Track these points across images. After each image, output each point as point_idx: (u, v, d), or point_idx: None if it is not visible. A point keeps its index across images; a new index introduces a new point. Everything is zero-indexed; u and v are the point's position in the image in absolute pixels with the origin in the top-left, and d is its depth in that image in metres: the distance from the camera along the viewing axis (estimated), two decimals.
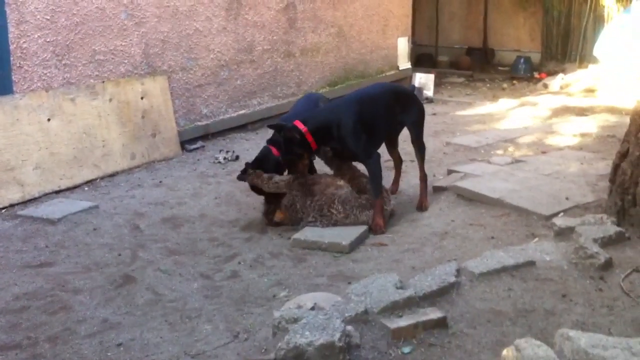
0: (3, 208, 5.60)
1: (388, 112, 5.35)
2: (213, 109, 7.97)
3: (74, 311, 3.93)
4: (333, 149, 5.12)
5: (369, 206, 5.08)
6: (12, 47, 5.93)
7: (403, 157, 6.03)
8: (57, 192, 6.02)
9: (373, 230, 5.01)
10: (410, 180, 6.03)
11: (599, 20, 12.15)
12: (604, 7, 12.11)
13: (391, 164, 5.98)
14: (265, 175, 5.23)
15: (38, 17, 6.10)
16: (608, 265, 3.90)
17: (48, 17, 6.17)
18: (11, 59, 5.94)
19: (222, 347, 3.44)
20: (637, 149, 4.48)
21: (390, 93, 5.50)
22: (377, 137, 5.32)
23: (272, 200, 5.27)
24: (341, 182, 5.17)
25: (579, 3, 12.42)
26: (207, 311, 3.90)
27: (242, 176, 5.39)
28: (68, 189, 6.10)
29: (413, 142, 5.62)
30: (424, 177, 5.61)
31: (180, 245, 4.94)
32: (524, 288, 3.70)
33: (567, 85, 11.15)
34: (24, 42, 6.02)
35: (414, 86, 6.15)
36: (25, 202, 5.74)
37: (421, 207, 5.48)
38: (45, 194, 5.93)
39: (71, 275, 4.41)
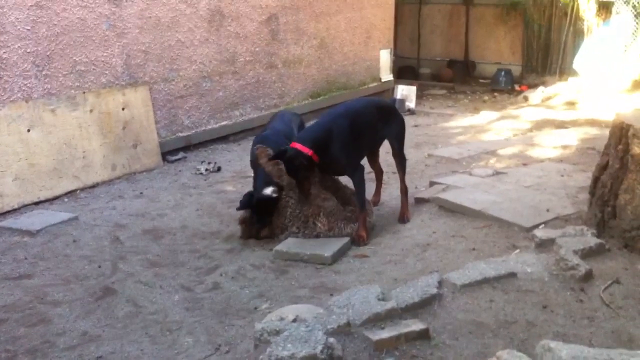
0: None
1: (372, 125, 5.40)
2: (195, 120, 7.95)
3: (53, 324, 3.89)
4: (321, 163, 5.09)
5: (353, 219, 5.09)
6: None
7: (384, 169, 6.06)
8: (37, 203, 5.96)
9: (356, 241, 5.01)
10: (392, 192, 6.05)
11: (578, 34, 12.29)
12: (583, 20, 12.25)
13: (373, 175, 5.98)
14: (271, 158, 5.10)
15: (18, 27, 6.06)
16: (588, 276, 3.92)
17: (28, 28, 6.14)
18: None
19: None
20: (616, 161, 4.51)
21: (374, 107, 5.54)
22: (362, 150, 5.39)
23: (263, 214, 5.20)
24: (327, 194, 5.16)
25: (559, 17, 12.55)
26: (188, 323, 3.87)
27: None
28: (48, 200, 6.05)
29: (394, 154, 5.67)
30: (404, 190, 5.63)
31: (161, 257, 4.91)
32: (505, 299, 3.71)
33: (548, 98, 11.25)
34: (4, 52, 5.98)
35: (394, 99, 6.17)
36: (4, 214, 5.69)
37: (403, 218, 5.49)
38: (25, 205, 5.88)
39: (50, 288, 4.36)
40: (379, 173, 5.96)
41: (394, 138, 5.61)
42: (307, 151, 4.92)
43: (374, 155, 5.85)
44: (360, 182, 5.12)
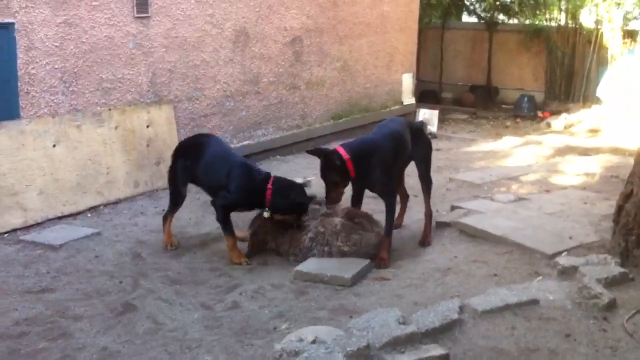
0: (5, 233, 5.59)
1: (408, 148, 5.40)
2: None
3: (74, 338, 3.90)
4: (357, 178, 5.08)
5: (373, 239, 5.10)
6: (20, 72, 5.99)
7: (407, 192, 6.01)
8: (60, 217, 6.01)
9: (377, 264, 4.99)
10: (413, 215, 6.02)
11: (602, 62, 12.25)
12: (607, 48, 12.22)
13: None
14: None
15: (47, 44, 6.16)
16: (612, 305, 3.88)
17: (57, 44, 6.23)
18: (19, 84, 5.99)
19: None
20: None
21: (407, 128, 5.50)
22: (396, 173, 5.39)
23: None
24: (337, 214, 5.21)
25: (583, 44, 12.52)
26: (207, 342, 3.87)
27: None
28: (71, 215, 6.10)
29: (420, 177, 5.61)
30: (429, 213, 5.60)
31: (181, 275, 4.92)
32: (527, 327, 3.68)
33: (571, 125, 11.20)
34: (32, 68, 6.07)
35: (422, 122, 6.16)
36: (27, 227, 5.74)
37: (424, 242, 5.47)
38: (48, 220, 5.93)
39: (72, 302, 4.38)
40: (403, 196, 5.89)
41: (421, 160, 5.58)
42: (345, 155, 4.92)
43: (399, 178, 5.76)
44: (391, 207, 5.12)
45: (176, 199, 5.53)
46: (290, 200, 5.07)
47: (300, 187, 5.33)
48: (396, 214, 5.78)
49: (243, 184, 5.12)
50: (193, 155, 5.39)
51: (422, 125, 6.12)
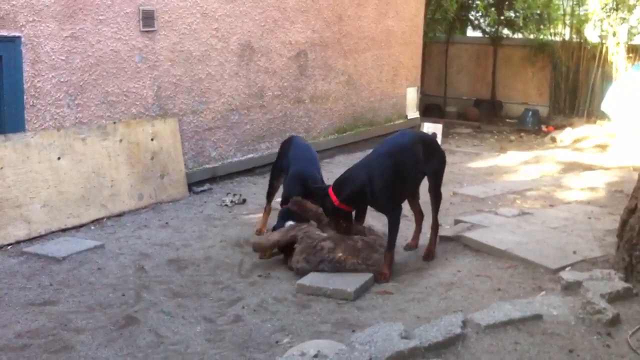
0: (9, 244, 5.60)
1: (415, 162, 5.29)
2: (222, 152, 8.03)
3: (76, 351, 3.90)
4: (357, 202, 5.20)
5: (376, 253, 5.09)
6: (26, 85, 6.02)
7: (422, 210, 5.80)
8: (64, 230, 6.02)
9: (378, 279, 4.98)
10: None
11: (606, 77, 12.26)
12: (612, 63, 12.24)
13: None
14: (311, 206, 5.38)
15: (53, 57, 6.19)
16: (615, 321, 3.86)
17: (63, 58, 6.27)
18: (25, 97, 6.02)
19: None
20: None
21: (418, 142, 5.41)
22: (406, 188, 5.30)
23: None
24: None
25: (587, 59, 12.55)
26: (209, 355, 3.86)
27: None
28: (74, 228, 6.11)
29: (430, 190, 5.50)
30: (435, 227, 5.56)
31: (184, 288, 4.92)
32: (530, 342, 3.66)
33: (576, 140, 11.20)
34: (38, 81, 6.11)
35: (435, 134, 6.07)
36: (31, 240, 5.74)
37: (428, 256, 5.45)
38: (52, 232, 5.94)
39: (74, 315, 4.38)
40: (419, 215, 5.71)
41: (433, 174, 5.48)
42: (335, 200, 5.05)
43: (413, 194, 5.62)
44: (395, 223, 5.06)
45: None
46: None
47: None
48: (404, 231, 5.74)
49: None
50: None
51: (435, 137, 5.96)
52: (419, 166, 5.34)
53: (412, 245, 5.66)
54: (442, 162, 5.59)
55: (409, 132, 6.05)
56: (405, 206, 5.79)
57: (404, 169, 5.15)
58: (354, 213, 5.24)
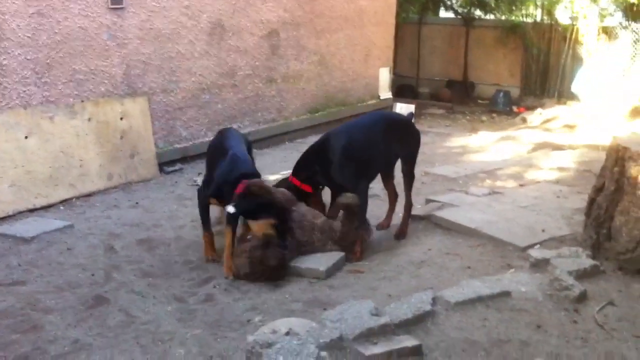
0: None
1: (382, 142, 5.27)
2: (193, 131, 7.96)
3: (45, 331, 3.86)
4: (323, 181, 5.24)
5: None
6: None
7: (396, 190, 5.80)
8: (32, 210, 5.94)
9: (351, 257, 4.99)
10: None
11: (577, 58, 12.36)
12: (582, 45, 12.32)
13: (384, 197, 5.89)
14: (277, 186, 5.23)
15: (19, 34, 6.07)
16: (583, 297, 3.92)
17: (29, 35, 6.15)
18: None
19: None
20: (612, 183, 4.53)
21: (385, 122, 5.44)
22: (370, 167, 5.27)
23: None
24: (318, 213, 5.15)
25: (558, 41, 12.63)
26: (180, 335, 3.85)
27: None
28: (43, 208, 6.03)
29: (403, 171, 5.52)
30: (408, 206, 5.57)
31: (154, 268, 4.89)
32: (499, 318, 3.70)
33: (546, 120, 11.28)
34: (4, 59, 5.99)
35: (411, 114, 6.04)
36: None
37: (400, 235, 5.47)
38: (20, 212, 5.86)
39: (43, 295, 4.34)
40: (392, 195, 5.71)
41: (407, 155, 5.50)
42: (297, 182, 5.16)
43: (388, 175, 5.64)
44: (362, 200, 5.03)
45: None
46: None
47: None
48: (380, 212, 5.77)
49: None
50: None
51: (410, 117, 5.90)
52: (388, 147, 5.33)
53: (385, 225, 5.68)
54: (415, 143, 5.59)
55: (375, 112, 6.06)
56: (379, 186, 5.81)
57: (361, 147, 5.13)
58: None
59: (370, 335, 3.34)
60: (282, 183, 5.33)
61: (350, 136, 5.17)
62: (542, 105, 12.10)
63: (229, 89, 8.38)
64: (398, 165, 5.61)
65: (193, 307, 4.24)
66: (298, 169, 5.26)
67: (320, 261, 4.81)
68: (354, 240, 5.03)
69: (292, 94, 9.47)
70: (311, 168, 5.20)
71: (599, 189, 4.70)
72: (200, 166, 7.77)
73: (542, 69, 12.85)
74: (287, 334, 3.38)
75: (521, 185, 6.99)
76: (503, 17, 13.51)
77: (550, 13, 12.75)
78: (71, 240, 5.33)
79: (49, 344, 3.71)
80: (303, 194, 5.18)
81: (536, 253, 4.53)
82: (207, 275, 4.75)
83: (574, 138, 9.85)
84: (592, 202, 4.77)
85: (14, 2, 5.98)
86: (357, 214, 5.04)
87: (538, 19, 12.96)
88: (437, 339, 3.47)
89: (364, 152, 5.15)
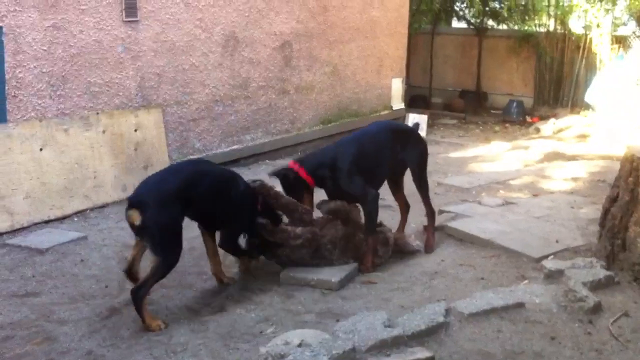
0: None
1: (388, 150, 5.27)
2: (206, 143, 7.99)
3: (59, 342, 3.88)
4: (329, 191, 5.12)
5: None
6: (7, 76, 5.96)
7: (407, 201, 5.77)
8: (47, 222, 5.98)
9: (361, 269, 4.97)
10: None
11: (591, 67, 12.32)
12: (596, 54, 12.29)
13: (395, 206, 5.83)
14: (274, 191, 4.95)
15: (35, 47, 6.14)
16: (597, 309, 3.90)
17: (45, 48, 6.21)
18: (6, 88, 5.96)
19: None
20: (626, 194, 4.51)
21: (390, 131, 5.44)
22: (376, 176, 5.25)
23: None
24: (337, 222, 5.10)
25: (572, 50, 12.60)
26: (192, 345, 3.85)
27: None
28: (57, 219, 6.07)
29: (414, 180, 5.49)
30: (431, 215, 5.53)
31: (167, 278, 4.85)
32: (513, 330, 3.69)
33: (559, 130, 11.25)
34: (20, 72, 6.05)
35: (417, 124, 6.05)
36: (14, 231, 5.70)
37: (428, 248, 5.39)
38: (35, 224, 5.89)
39: (57, 306, 4.36)
40: (403, 206, 5.67)
41: (414, 164, 5.45)
42: (298, 170, 4.96)
43: (397, 185, 5.62)
44: (370, 208, 5.01)
45: None
46: None
47: None
48: (394, 223, 5.71)
49: None
50: None
51: (416, 127, 5.87)
52: (394, 155, 5.32)
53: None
54: (422, 152, 5.54)
55: (381, 121, 6.04)
56: (392, 197, 5.79)
57: (368, 156, 5.12)
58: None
59: (383, 346, 3.33)
60: (285, 172, 5.06)
61: (359, 145, 5.16)
62: (555, 115, 12.05)
63: (242, 101, 8.42)
64: (409, 176, 5.57)
65: (206, 318, 4.24)
66: (310, 164, 5.05)
67: (332, 272, 4.81)
68: (365, 251, 5.01)
69: (305, 105, 9.50)
70: (323, 171, 5.06)
71: (613, 200, 4.68)
72: None
73: (556, 78, 12.81)
74: (300, 345, 3.39)
75: (535, 196, 6.97)
76: (516, 27, 13.50)
77: (563, 22, 12.73)
78: (85, 252, 5.36)
79: (63, 356, 3.73)
80: (300, 187, 5.00)
81: (550, 264, 4.51)
82: (219, 286, 4.76)
83: (588, 148, 9.81)
84: (606, 212, 4.74)
85: (29, 16, 6.05)
86: (351, 219, 5.03)
87: (551, 28, 12.94)
88: (450, 350, 3.46)
89: (372, 160, 5.14)
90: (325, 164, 5.07)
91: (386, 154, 5.27)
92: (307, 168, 5.02)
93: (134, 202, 4.21)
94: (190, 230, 5.91)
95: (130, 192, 6.75)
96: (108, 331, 4.04)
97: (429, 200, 5.56)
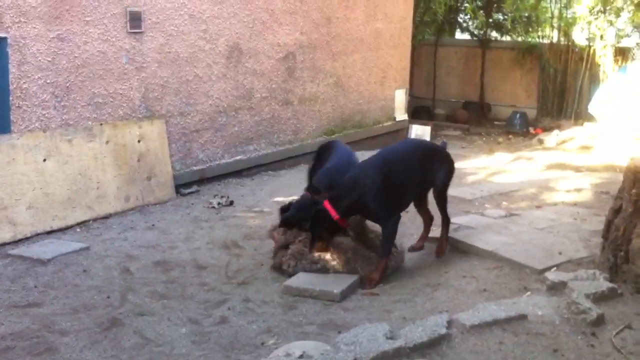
0: None
1: (417, 171, 5.26)
2: (209, 153, 8.01)
3: (60, 353, 3.88)
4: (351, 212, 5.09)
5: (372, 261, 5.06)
6: (12, 87, 5.99)
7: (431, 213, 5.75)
8: (49, 232, 5.99)
9: (366, 282, 4.94)
10: (406, 230, 5.96)
11: (594, 79, 12.32)
12: (599, 65, 12.29)
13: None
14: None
15: (39, 58, 6.17)
16: (600, 321, 3.87)
17: (49, 59, 6.25)
18: (10, 98, 5.99)
19: None
20: (630, 205, 4.49)
21: (421, 151, 5.42)
22: (403, 197, 5.24)
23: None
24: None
25: (575, 61, 12.61)
26: (194, 357, 3.85)
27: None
28: (60, 230, 6.08)
29: (435, 195, 5.50)
30: (446, 223, 5.53)
31: (169, 290, 4.90)
32: (515, 342, 3.67)
33: (563, 141, 11.23)
34: (24, 82, 6.08)
35: (445, 143, 6.02)
36: (16, 242, 5.71)
37: (439, 252, 5.43)
38: (37, 234, 5.90)
39: (58, 317, 4.36)
40: (427, 219, 5.67)
41: (440, 182, 5.44)
42: (335, 215, 4.91)
43: (421, 199, 5.61)
44: (391, 232, 5.00)
45: None
46: None
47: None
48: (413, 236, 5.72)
49: None
50: None
51: (444, 146, 5.83)
52: (424, 176, 5.31)
53: (417, 247, 5.63)
54: (448, 171, 5.51)
55: (411, 141, 5.99)
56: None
57: (398, 178, 5.09)
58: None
59: (384, 358, 3.32)
60: (316, 209, 5.00)
61: (390, 165, 5.12)
62: (559, 127, 12.05)
63: (246, 111, 8.44)
64: None
65: (207, 329, 4.24)
66: (339, 198, 4.96)
67: (334, 283, 4.81)
68: (374, 269, 5.01)
69: (308, 115, 9.51)
70: (352, 198, 4.95)
71: (616, 211, 4.66)
72: (217, 188, 7.82)
73: (559, 90, 12.81)
74: (301, 357, 3.38)
75: (538, 207, 6.95)
76: (519, 39, 13.52)
77: (566, 34, 12.74)
78: (87, 262, 5.36)
79: None
80: (329, 226, 4.97)
81: (553, 276, 4.49)
82: (221, 297, 4.76)
83: (591, 159, 9.79)
84: (609, 224, 4.72)
85: (34, 27, 6.09)
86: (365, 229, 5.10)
87: (554, 40, 12.95)
88: None
89: (400, 181, 5.10)
90: (357, 197, 4.95)
91: (416, 175, 5.26)
92: (342, 213, 4.94)
93: None
94: (193, 241, 5.94)
95: (132, 203, 6.80)
96: (109, 342, 4.03)
97: (446, 210, 5.57)
